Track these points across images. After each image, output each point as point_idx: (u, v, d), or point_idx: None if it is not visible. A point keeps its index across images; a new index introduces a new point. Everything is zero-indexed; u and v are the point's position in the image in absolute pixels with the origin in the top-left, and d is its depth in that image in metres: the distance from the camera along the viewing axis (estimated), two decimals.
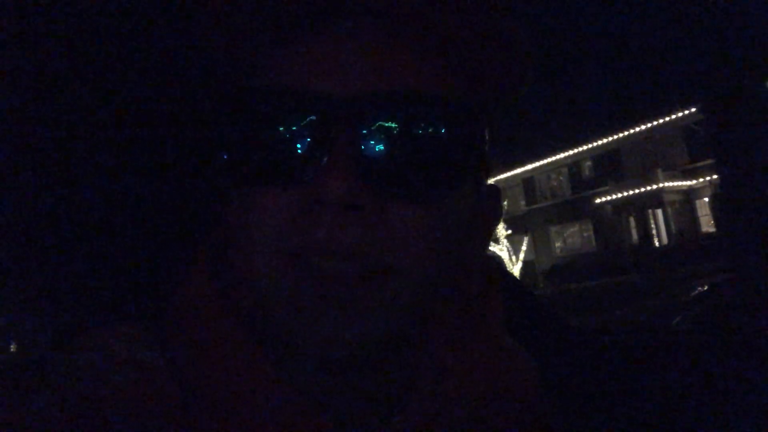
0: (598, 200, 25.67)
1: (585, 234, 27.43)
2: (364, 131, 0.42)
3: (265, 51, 0.47)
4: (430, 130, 0.44)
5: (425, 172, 0.44)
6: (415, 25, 0.45)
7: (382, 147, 0.43)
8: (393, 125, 0.43)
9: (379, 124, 0.42)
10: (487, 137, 0.48)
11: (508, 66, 0.49)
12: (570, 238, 28.34)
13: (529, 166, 29.37)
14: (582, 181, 27.71)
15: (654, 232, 24.10)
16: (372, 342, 0.44)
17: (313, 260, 0.42)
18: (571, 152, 27.53)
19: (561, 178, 29.05)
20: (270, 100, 0.44)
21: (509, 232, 24.40)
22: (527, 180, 30.16)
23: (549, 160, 28.58)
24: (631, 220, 24.89)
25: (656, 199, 23.36)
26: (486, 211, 0.53)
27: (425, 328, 0.51)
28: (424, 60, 0.45)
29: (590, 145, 26.57)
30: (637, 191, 23.77)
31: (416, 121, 0.44)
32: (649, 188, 23.29)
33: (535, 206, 29.59)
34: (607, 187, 25.32)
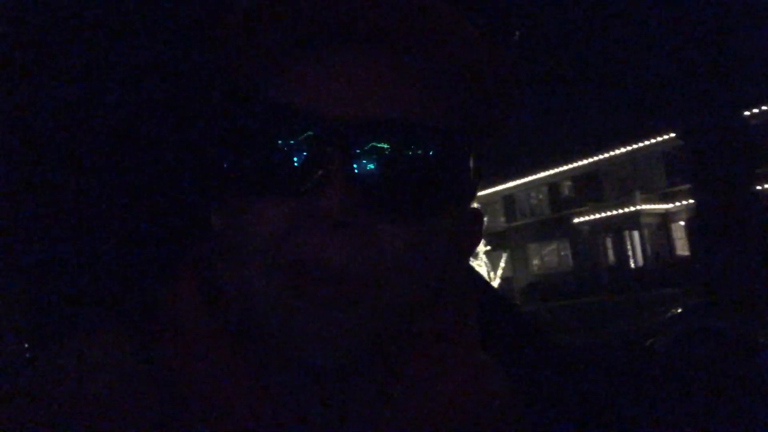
0: (576, 220, 25.97)
1: (563, 253, 27.70)
2: (357, 151, 0.44)
3: (269, 68, 0.48)
4: (419, 155, 0.46)
5: (413, 193, 0.46)
6: (414, 55, 0.47)
7: (373, 167, 0.44)
8: (385, 147, 0.45)
9: (372, 146, 0.44)
10: (473, 164, 0.50)
11: (501, 98, 0.51)
12: (548, 257, 28.60)
13: (510, 184, 29.65)
14: (561, 200, 28.04)
15: (630, 253, 24.43)
16: (356, 351, 0.46)
17: (303, 274, 0.44)
18: (551, 172, 27.86)
19: (541, 196, 29.37)
20: (270, 116, 0.46)
21: (488, 248, 24.51)
22: (507, 197, 30.42)
23: (530, 178, 28.89)
24: (608, 240, 25.21)
25: (633, 221, 23.70)
26: (468, 232, 0.55)
27: (403, 341, 0.53)
28: (420, 88, 0.47)
29: (570, 166, 26.94)
30: (615, 213, 24.10)
31: (407, 145, 0.46)
32: (626, 210, 23.63)
33: (514, 223, 29.83)
34: (585, 208, 25.65)
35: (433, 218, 0.48)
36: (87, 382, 0.44)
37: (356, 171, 0.44)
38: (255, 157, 0.46)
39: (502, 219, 30.50)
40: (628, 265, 24.05)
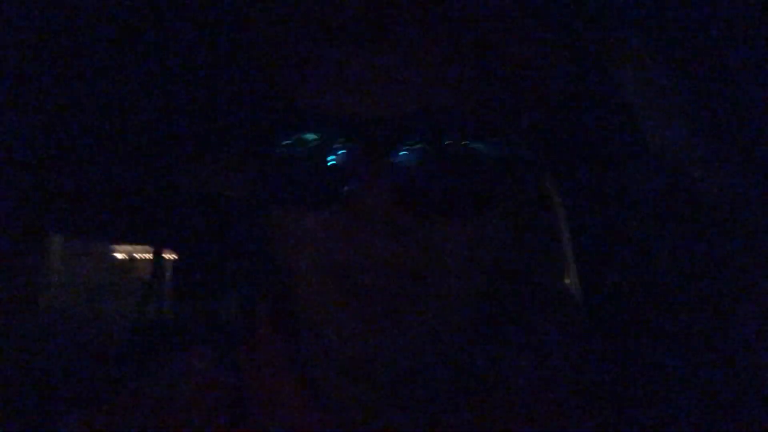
0: None
1: None
2: (400, 150, 0.42)
3: (295, 75, 0.48)
4: (467, 147, 0.44)
5: (460, 187, 0.44)
6: (440, 44, 0.46)
7: (416, 163, 0.43)
8: (425, 141, 0.43)
9: (412, 141, 0.43)
10: (524, 153, 0.48)
11: (549, 77, 0.49)
12: None
13: None
14: None
15: None
16: (417, 360, 0.45)
17: (354, 277, 0.43)
18: None
19: None
20: (305, 123, 0.45)
21: None
22: None
23: None
24: None
25: None
26: (529, 222, 0.55)
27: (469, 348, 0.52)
28: (461, 74, 0.46)
29: None
30: None
31: (452, 138, 0.44)
32: None
33: None
34: None
35: (485, 211, 0.45)
36: (179, 385, 0.53)
37: (399, 168, 0.43)
38: (295, 167, 0.46)
39: None
40: None
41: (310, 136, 0.45)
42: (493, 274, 0.50)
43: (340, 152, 0.43)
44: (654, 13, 0.63)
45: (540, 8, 0.49)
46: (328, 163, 0.44)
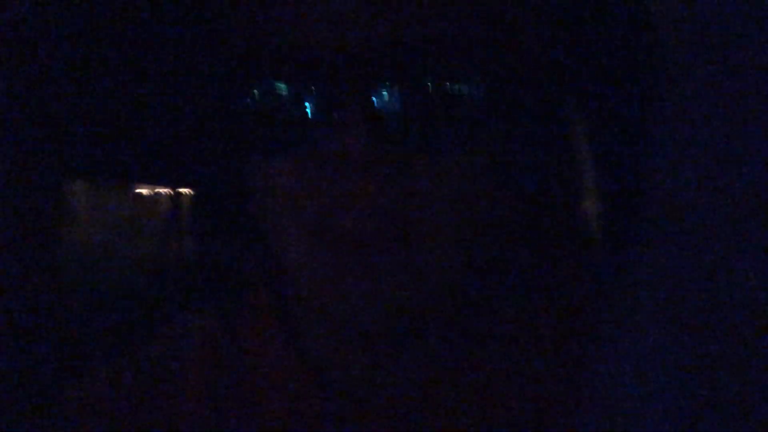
0: None
1: None
2: (375, 86, 0.40)
3: (262, 9, 0.44)
4: (445, 80, 0.41)
5: (443, 124, 0.41)
6: None
7: (395, 101, 0.40)
8: (406, 77, 0.40)
9: (391, 78, 0.40)
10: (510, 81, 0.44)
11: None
12: None
13: None
14: None
15: None
16: (403, 311, 0.42)
17: (333, 223, 0.41)
18: None
19: None
20: (270, 62, 0.42)
21: None
22: None
23: None
24: None
25: None
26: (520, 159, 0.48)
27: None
28: (440, 5, 0.41)
29: None
30: None
31: (433, 74, 0.41)
32: None
33: None
34: None
35: (472, 149, 0.42)
36: (178, 348, 0.52)
37: (376, 108, 0.40)
38: (265, 112, 0.43)
39: None
40: None
41: (281, 83, 0.42)
42: (491, 216, 0.46)
43: (313, 95, 0.41)
44: None
45: None
46: (302, 109, 0.41)
